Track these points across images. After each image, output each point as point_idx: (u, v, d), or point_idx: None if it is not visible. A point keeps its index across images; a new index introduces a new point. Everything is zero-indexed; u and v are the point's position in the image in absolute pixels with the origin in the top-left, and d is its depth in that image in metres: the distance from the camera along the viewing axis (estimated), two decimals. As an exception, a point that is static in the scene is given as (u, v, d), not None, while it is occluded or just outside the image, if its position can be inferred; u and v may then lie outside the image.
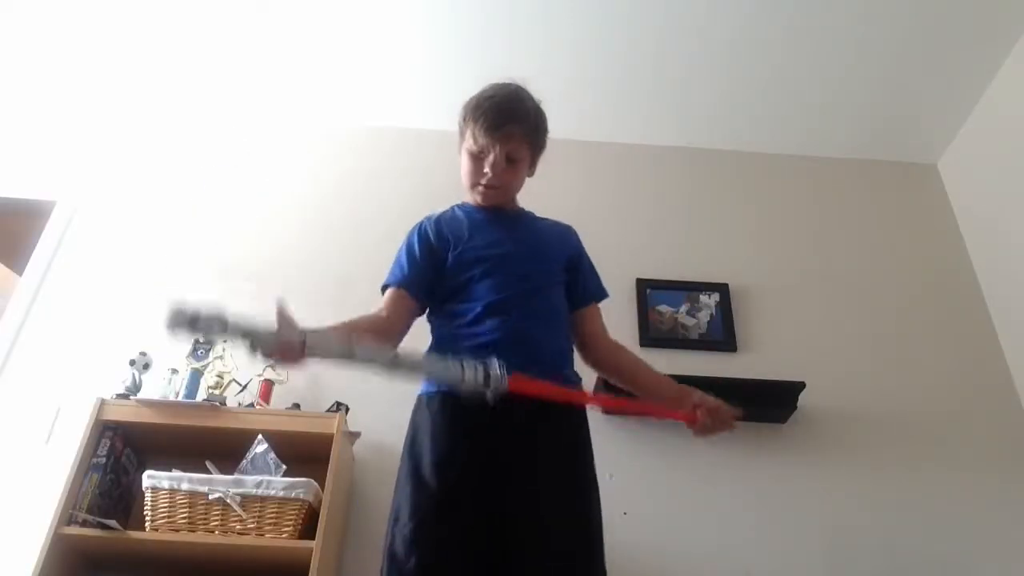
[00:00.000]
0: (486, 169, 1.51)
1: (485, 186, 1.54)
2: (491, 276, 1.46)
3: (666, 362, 2.61)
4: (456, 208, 1.64)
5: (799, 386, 2.49)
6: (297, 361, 1.17)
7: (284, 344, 1.14)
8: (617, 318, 2.70)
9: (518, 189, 1.64)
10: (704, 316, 2.79)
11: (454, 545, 1.25)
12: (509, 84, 1.59)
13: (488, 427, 1.33)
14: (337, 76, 3.06)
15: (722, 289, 2.83)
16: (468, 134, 1.53)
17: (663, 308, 2.79)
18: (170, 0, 2.78)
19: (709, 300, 2.82)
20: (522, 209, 1.68)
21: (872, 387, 2.66)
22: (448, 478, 1.30)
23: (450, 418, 1.36)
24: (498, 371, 1.25)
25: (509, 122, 1.50)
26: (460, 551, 1.25)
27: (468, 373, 1.24)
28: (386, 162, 3.10)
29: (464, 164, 1.56)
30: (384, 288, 1.55)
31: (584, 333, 1.61)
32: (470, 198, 1.61)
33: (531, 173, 1.64)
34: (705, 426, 1.42)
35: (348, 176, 3.08)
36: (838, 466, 2.48)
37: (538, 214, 1.73)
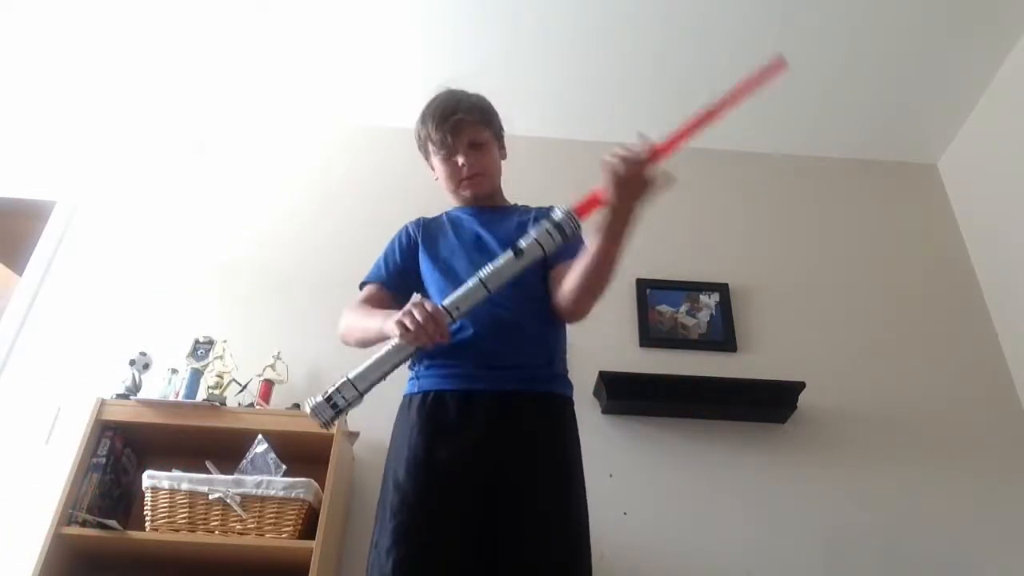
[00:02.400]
0: (460, 163, 1.55)
1: (466, 178, 1.57)
2: (470, 269, 1.41)
3: (666, 362, 2.62)
4: (444, 214, 1.67)
5: (799, 386, 2.49)
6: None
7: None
8: (617, 318, 2.74)
9: (498, 173, 1.65)
10: (704, 316, 2.79)
11: (433, 550, 1.24)
12: (442, 88, 1.64)
13: (468, 426, 1.33)
14: (337, 76, 3.06)
15: (722, 289, 2.83)
16: (430, 144, 1.58)
17: (663, 308, 2.79)
18: (170, 0, 2.78)
19: (709, 300, 2.82)
20: (513, 205, 1.68)
21: (872, 387, 2.66)
22: (425, 481, 1.29)
23: (427, 418, 1.35)
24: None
25: (454, 112, 1.55)
26: (439, 556, 1.24)
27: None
28: (386, 162, 3.10)
29: (440, 173, 1.61)
30: (363, 285, 1.60)
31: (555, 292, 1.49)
32: (457, 200, 1.64)
33: (503, 155, 1.66)
34: (615, 184, 1.26)
35: (348, 176, 3.08)
36: (838, 466, 2.48)
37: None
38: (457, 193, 1.61)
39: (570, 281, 1.39)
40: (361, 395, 1.27)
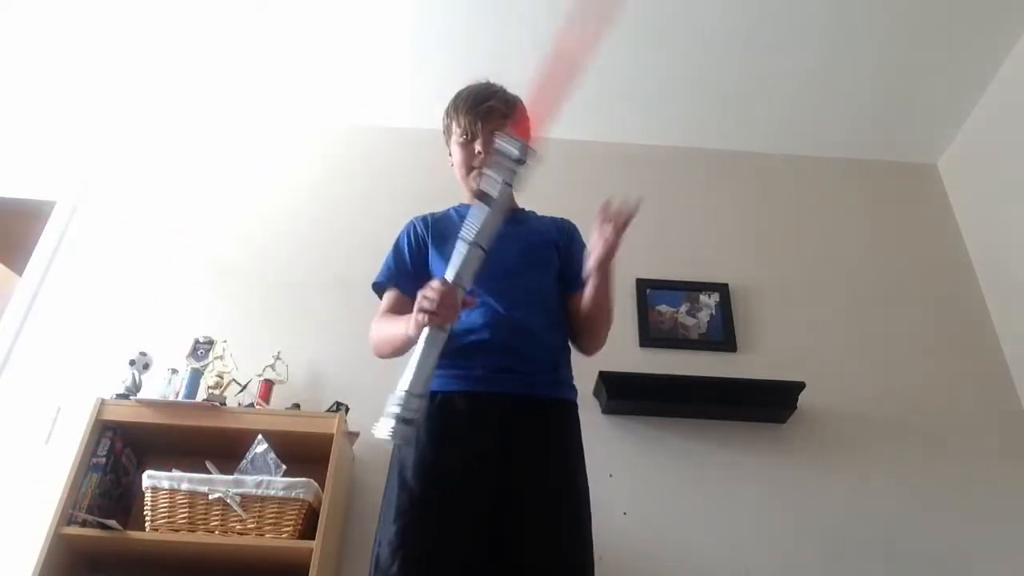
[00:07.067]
0: (477, 150, 1.54)
1: (480, 168, 1.53)
2: (483, 275, 1.40)
3: (666, 362, 2.62)
4: (451, 210, 1.65)
5: (799, 386, 2.49)
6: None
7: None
8: (617, 318, 2.71)
9: None
10: (704, 316, 2.79)
11: (439, 550, 1.24)
12: (480, 80, 1.63)
13: (474, 427, 1.33)
14: (336, 76, 3.06)
15: (722, 289, 2.83)
16: (454, 126, 1.58)
17: (663, 308, 2.79)
18: (167, 1, 2.78)
19: (709, 300, 2.82)
20: (520, 208, 1.67)
21: (872, 387, 2.66)
22: (433, 481, 1.29)
23: (435, 419, 1.34)
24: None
25: (488, 99, 1.55)
26: (445, 556, 1.23)
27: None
28: (386, 162, 3.10)
29: (456, 157, 1.59)
30: (375, 286, 1.59)
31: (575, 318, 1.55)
32: (468, 188, 1.59)
33: None
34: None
35: (347, 176, 3.08)
36: (838, 466, 2.48)
37: (539, 214, 1.73)
38: (467, 181, 1.58)
39: (584, 319, 1.51)
40: (423, 397, 1.21)
